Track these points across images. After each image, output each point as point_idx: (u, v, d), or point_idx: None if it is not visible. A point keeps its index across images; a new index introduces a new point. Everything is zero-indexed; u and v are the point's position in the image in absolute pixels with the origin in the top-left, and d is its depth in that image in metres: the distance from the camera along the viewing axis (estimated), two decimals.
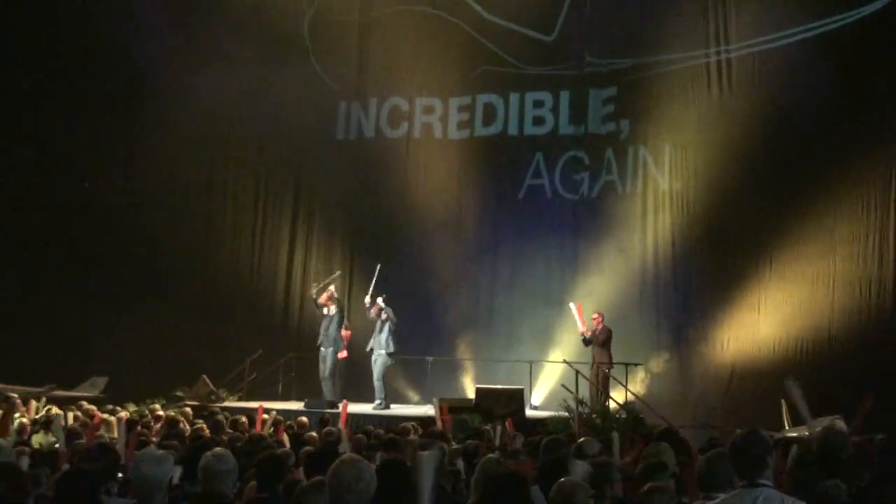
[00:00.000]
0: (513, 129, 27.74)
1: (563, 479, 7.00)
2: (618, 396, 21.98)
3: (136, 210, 28.37)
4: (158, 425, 15.04)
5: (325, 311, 23.26)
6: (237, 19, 28.11)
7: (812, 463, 9.36)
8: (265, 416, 16.05)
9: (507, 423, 15.06)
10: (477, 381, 24.69)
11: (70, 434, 12.74)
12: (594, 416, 19.88)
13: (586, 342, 23.02)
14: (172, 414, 17.91)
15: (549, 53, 27.21)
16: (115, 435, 13.31)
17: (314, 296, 23.79)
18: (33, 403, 18.09)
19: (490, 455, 9.96)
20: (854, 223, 23.54)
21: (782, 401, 19.83)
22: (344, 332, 23.59)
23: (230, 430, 13.94)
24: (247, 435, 13.48)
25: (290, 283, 28.67)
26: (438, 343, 25.53)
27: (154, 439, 12.91)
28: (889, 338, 22.66)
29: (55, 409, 17.17)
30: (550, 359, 24.80)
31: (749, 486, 6.03)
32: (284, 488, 8.19)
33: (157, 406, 18.82)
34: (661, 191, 25.94)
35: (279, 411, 17.14)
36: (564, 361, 23.24)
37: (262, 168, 29.34)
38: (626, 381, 22.45)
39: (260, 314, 28.16)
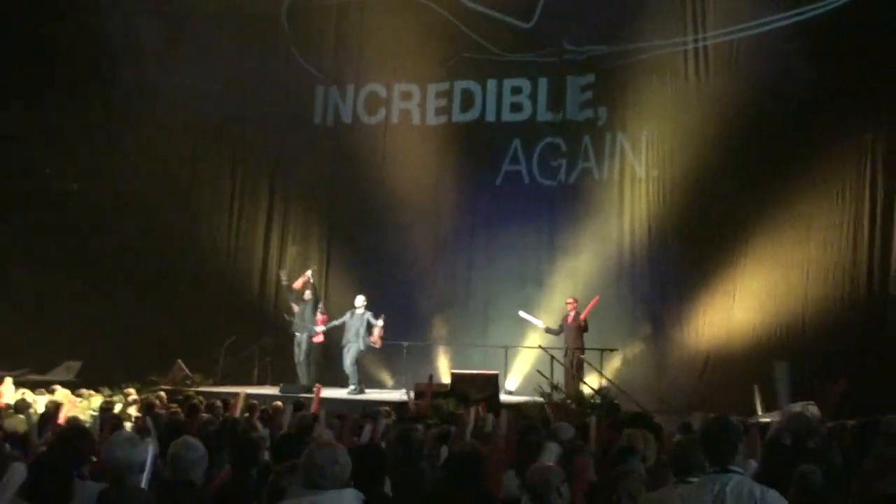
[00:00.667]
0: (490, 116, 27.72)
1: (536, 464, 7.04)
2: (593, 382, 22.07)
3: (110, 196, 28.22)
4: (133, 409, 15.00)
5: (304, 296, 23.34)
6: (214, 4, 27.97)
7: (783, 448, 9.43)
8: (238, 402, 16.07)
9: (480, 406, 15.09)
10: (453, 365, 24.74)
11: (43, 418, 12.73)
12: (569, 401, 19.94)
13: (554, 333, 23.11)
14: (147, 398, 17.89)
15: (527, 40, 27.16)
16: (89, 419, 13.30)
17: (284, 282, 23.84)
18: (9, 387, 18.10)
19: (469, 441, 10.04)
20: (829, 210, 23.61)
21: (755, 386, 19.96)
22: (319, 317, 23.65)
23: (205, 414, 13.91)
24: (220, 419, 13.47)
25: (266, 268, 28.59)
26: (414, 328, 25.49)
27: (129, 423, 12.92)
28: (863, 324, 22.97)
29: (28, 395, 17.12)
30: (526, 344, 24.80)
31: (720, 471, 6.06)
32: (258, 472, 8.20)
33: (132, 390, 18.79)
34: (637, 177, 25.95)
35: (255, 396, 17.17)
36: (539, 347, 23.29)
37: (239, 153, 29.23)
38: (602, 367, 22.61)
39: (235, 299, 28.03)
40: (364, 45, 28.33)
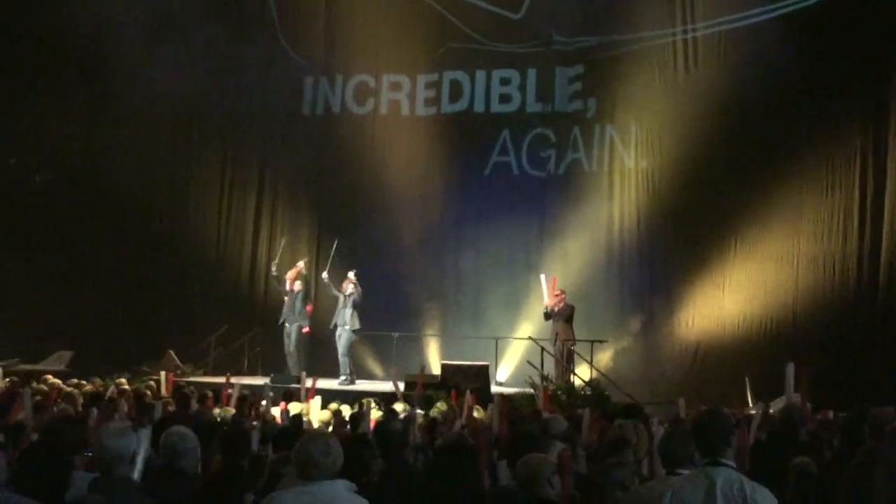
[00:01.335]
0: (479, 107, 27.71)
1: (527, 455, 7.05)
2: (583, 373, 22.11)
3: (100, 186, 28.10)
4: (124, 399, 14.98)
5: (293, 286, 23.35)
6: None
7: (773, 440, 9.44)
8: (229, 390, 16.07)
9: (470, 397, 15.11)
10: (443, 356, 24.75)
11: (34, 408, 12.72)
12: (559, 392, 19.95)
13: (547, 316, 23.10)
14: (138, 388, 17.88)
15: (516, 31, 27.13)
16: (80, 409, 13.29)
17: (274, 273, 23.86)
18: None
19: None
20: (819, 202, 23.62)
21: (746, 378, 20.00)
22: (307, 308, 23.71)
23: (197, 405, 13.91)
24: (213, 410, 13.49)
25: (256, 258, 28.55)
26: (404, 319, 25.53)
27: (121, 413, 12.90)
28: (853, 315, 23.00)
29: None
30: (516, 335, 24.85)
31: (711, 464, 6.05)
32: (250, 463, 8.20)
33: (123, 380, 18.79)
34: (627, 169, 25.98)
35: (245, 386, 17.18)
36: (530, 338, 23.38)
37: (228, 143, 29.14)
38: (592, 358, 22.61)
39: (225, 289, 28.06)
40: (353, 36, 28.24)
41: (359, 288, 22.95)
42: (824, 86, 23.61)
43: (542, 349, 22.10)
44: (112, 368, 21.72)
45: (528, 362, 22.09)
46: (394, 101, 28.41)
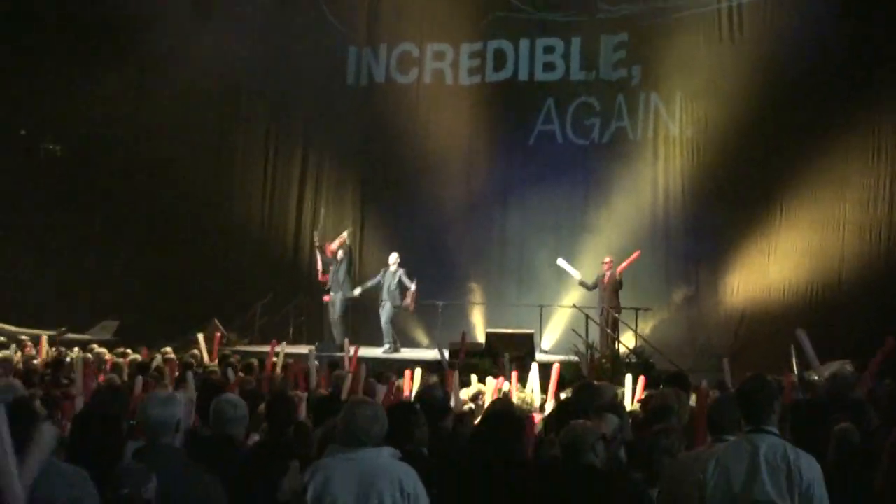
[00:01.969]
0: (523, 75, 27.63)
1: (572, 422, 7.03)
2: (628, 341, 22.07)
3: (147, 156, 28.20)
4: (170, 369, 15.02)
5: (336, 255, 23.34)
6: None
7: (819, 406, 9.37)
8: (274, 358, 16.09)
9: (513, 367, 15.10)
10: (487, 325, 24.71)
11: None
12: (604, 360, 19.90)
13: (587, 287, 23.02)
14: (183, 357, 17.91)
15: None
16: (126, 378, 13.34)
17: (317, 243, 23.84)
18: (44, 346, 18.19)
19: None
20: (865, 169, 23.58)
21: (792, 346, 19.86)
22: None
23: (242, 374, 13.93)
24: (257, 378, 13.51)
25: (300, 226, 28.61)
26: (449, 287, 25.49)
27: (166, 382, 12.94)
28: None
29: (74, 353, 17.15)
30: (561, 303, 24.78)
31: (755, 431, 6.03)
32: (294, 431, 8.22)
33: (169, 349, 18.84)
34: (672, 137, 25.94)
35: (290, 355, 17.19)
36: (574, 306, 23.25)
37: (273, 113, 29.17)
38: (636, 326, 22.57)
39: (271, 258, 28.13)
40: (397, 5, 28.20)
41: (401, 269, 23.00)
42: (870, 51, 23.54)
43: (587, 317, 22.02)
44: (158, 338, 21.76)
45: (573, 330, 22.01)
46: (438, 71, 28.33)
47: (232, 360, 16.07)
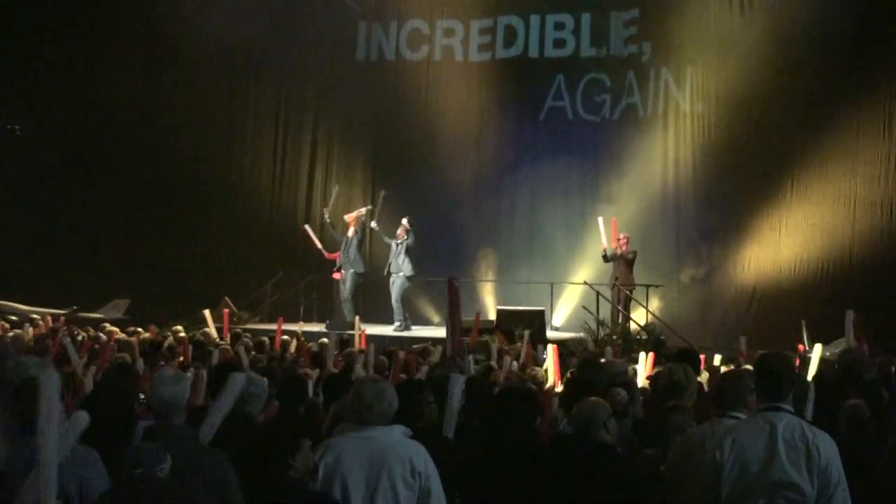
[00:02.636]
0: (533, 52, 27.55)
1: (583, 400, 7.02)
2: (639, 317, 22.05)
3: (157, 133, 28.20)
4: (182, 347, 15.03)
5: (346, 233, 23.30)
6: None
7: (833, 382, 9.36)
8: (284, 337, 16.11)
9: (527, 344, 15.11)
10: (498, 302, 24.73)
11: (91, 356, 12.78)
12: (615, 336, 19.90)
13: (605, 258, 22.94)
14: (195, 335, 17.92)
15: None
16: (137, 357, 13.34)
17: (327, 219, 23.79)
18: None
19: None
20: (876, 143, 23.59)
21: (802, 321, 19.87)
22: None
23: (253, 352, 13.95)
24: (268, 356, 13.52)
25: (311, 204, 28.57)
26: (459, 264, 25.43)
27: (180, 360, 12.96)
28: None
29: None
30: (572, 280, 24.76)
31: (771, 409, 5.96)
32: (305, 409, 8.22)
33: (180, 328, 18.84)
34: (682, 112, 25.89)
35: (301, 333, 17.20)
36: (585, 283, 23.26)
37: (282, 90, 29.13)
38: (647, 302, 22.55)
39: (281, 236, 28.06)
40: None
41: (412, 235, 22.88)
42: (882, 25, 23.47)
43: (598, 294, 22.03)
44: (169, 316, 21.77)
45: (584, 307, 22.08)
46: (447, 48, 28.27)
47: (245, 338, 16.11)
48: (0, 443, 5.65)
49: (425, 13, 28.30)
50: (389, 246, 23.10)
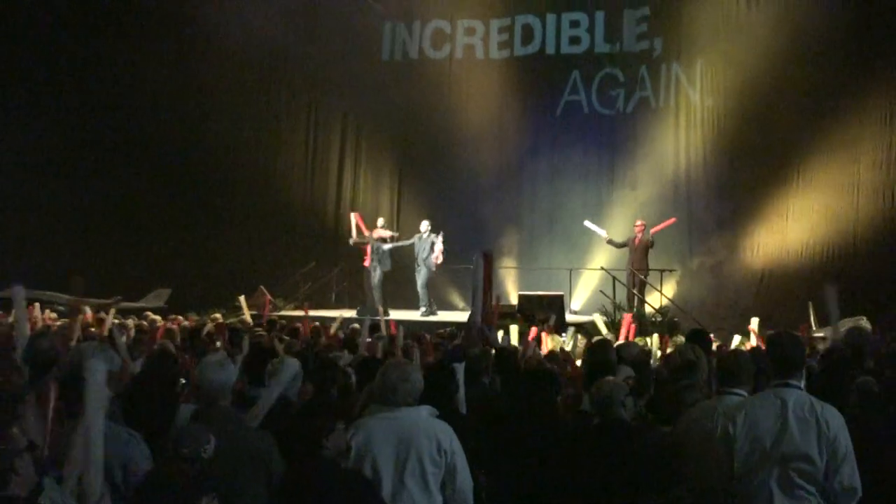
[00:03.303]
0: (550, 49, 27.72)
1: (602, 379, 7.02)
2: (653, 301, 22.07)
3: (195, 132, 28.19)
4: (220, 333, 15.04)
5: (374, 234, 23.42)
6: None
7: (839, 360, 9.32)
8: (316, 323, 16.12)
9: (548, 327, 15.09)
10: (520, 287, 24.77)
11: (134, 343, 12.80)
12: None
13: (615, 245, 22.97)
14: (232, 322, 17.94)
15: None
16: (179, 343, 13.37)
17: (352, 242, 23.86)
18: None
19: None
20: (879, 132, 23.71)
21: (809, 302, 19.87)
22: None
23: (287, 337, 13.94)
24: (301, 341, 13.52)
25: (341, 196, 28.76)
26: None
27: (217, 346, 12.97)
28: None
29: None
30: (589, 266, 24.90)
31: (782, 386, 5.99)
32: (339, 391, 8.22)
33: (218, 315, 18.86)
34: (693, 105, 26.09)
35: (331, 319, 17.21)
36: (602, 269, 23.32)
37: (313, 87, 29.23)
38: (661, 287, 22.58)
39: (313, 227, 28.20)
40: None
41: (433, 235, 22.97)
42: (884, 20, 23.50)
43: (614, 279, 22.07)
44: (207, 304, 21.82)
45: (601, 292, 22.13)
46: (469, 46, 28.40)
47: (279, 324, 16.14)
48: (47, 426, 5.66)
49: (447, 13, 28.40)
50: (413, 244, 23.15)
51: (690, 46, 26.10)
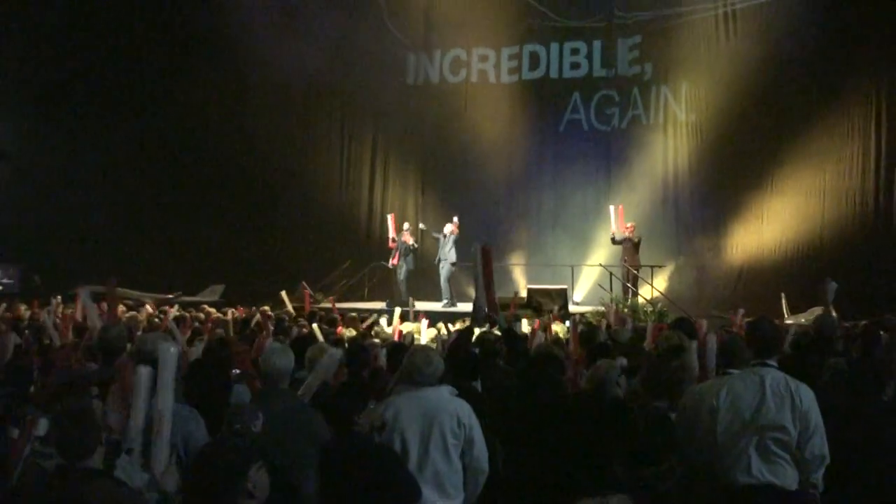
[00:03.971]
0: (553, 73, 27.87)
1: (598, 362, 7.03)
2: (645, 293, 22.25)
3: (244, 147, 28.22)
4: (267, 323, 15.05)
5: (405, 238, 23.57)
6: None
7: (808, 344, 9.31)
8: (352, 314, 16.12)
9: (552, 315, 15.10)
10: (528, 282, 24.80)
11: (193, 332, 12.82)
12: (625, 309, 19.92)
13: (614, 242, 23.14)
14: (279, 314, 17.95)
15: (583, 8, 27.37)
16: (231, 333, 13.40)
17: (388, 265, 24.05)
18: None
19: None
20: (841, 144, 24.15)
21: (782, 294, 19.93)
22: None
23: (325, 327, 13.95)
24: (337, 330, 13.54)
25: (372, 203, 28.90)
26: (496, 252, 25.50)
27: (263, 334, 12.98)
28: (870, 239, 23.53)
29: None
30: (589, 262, 25.21)
31: (759, 365, 6.09)
32: (370, 374, 8.23)
33: (266, 308, 18.89)
34: (679, 122, 26.38)
35: (364, 310, 17.25)
36: (600, 265, 23.61)
37: (346, 109, 29.30)
38: (652, 280, 22.90)
39: (348, 231, 28.24)
40: (447, 16, 28.07)
41: (458, 231, 22.98)
42: (845, 46, 23.94)
43: (611, 274, 22.38)
44: (257, 298, 21.84)
45: (600, 285, 22.36)
46: (482, 71, 28.50)
47: (319, 315, 16.15)
48: (118, 412, 5.67)
49: (463, 43, 28.45)
50: (438, 239, 23.20)
51: (677, 70, 26.35)
